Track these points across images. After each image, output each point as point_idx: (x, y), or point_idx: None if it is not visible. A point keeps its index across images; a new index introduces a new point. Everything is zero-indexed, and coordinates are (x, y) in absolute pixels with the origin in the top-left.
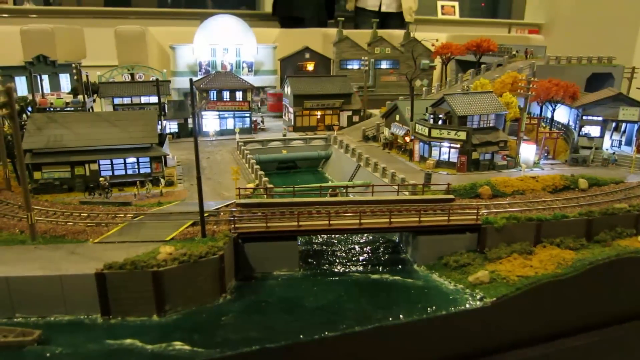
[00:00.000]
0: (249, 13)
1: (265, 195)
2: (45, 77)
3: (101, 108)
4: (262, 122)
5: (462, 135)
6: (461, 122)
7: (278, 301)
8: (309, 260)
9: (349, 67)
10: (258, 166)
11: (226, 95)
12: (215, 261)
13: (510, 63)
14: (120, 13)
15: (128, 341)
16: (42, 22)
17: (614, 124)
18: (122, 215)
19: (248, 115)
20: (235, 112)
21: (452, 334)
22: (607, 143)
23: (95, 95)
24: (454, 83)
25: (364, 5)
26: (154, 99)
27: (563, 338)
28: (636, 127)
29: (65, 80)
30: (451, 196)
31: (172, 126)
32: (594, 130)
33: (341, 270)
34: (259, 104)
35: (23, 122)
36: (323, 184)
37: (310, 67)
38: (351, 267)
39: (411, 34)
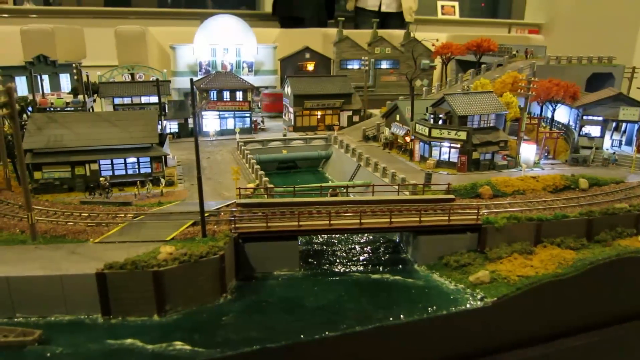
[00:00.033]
0: (249, 13)
1: (265, 195)
2: (46, 77)
3: (101, 108)
4: (262, 122)
5: (463, 135)
6: (461, 122)
7: (279, 301)
8: (310, 260)
9: (349, 67)
10: (258, 166)
11: (226, 95)
12: (216, 261)
13: (511, 63)
14: (120, 13)
15: (129, 341)
16: (42, 22)
17: (614, 124)
18: (123, 215)
19: (248, 115)
20: (236, 112)
21: (452, 334)
22: (607, 143)
23: (95, 95)
24: (454, 83)
25: (364, 5)
26: (154, 99)
27: (563, 338)
28: (636, 127)
29: (65, 80)
30: (451, 196)
31: (172, 126)
32: (594, 130)
33: (342, 270)
34: (259, 104)
35: (23, 122)
36: (323, 184)
37: (310, 67)
38: (352, 267)
39: (411, 34)
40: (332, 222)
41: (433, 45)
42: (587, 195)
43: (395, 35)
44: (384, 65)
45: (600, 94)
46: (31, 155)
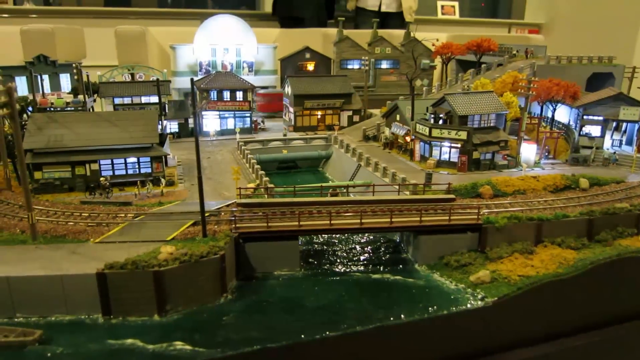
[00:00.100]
0: (249, 13)
1: (266, 195)
2: (46, 77)
3: (101, 108)
4: (263, 122)
5: (463, 134)
6: (462, 121)
7: (279, 301)
8: (310, 260)
9: (349, 67)
10: (259, 166)
11: (226, 95)
12: (216, 261)
13: (511, 63)
14: (120, 13)
15: (129, 341)
16: (42, 22)
17: (614, 124)
18: (123, 215)
19: (248, 115)
20: (236, 112)
21: (453, 334)
22: (607, 143)
23: (95, 95)
24: (454, 83)
25: (364, 5)
26: (154, 99)
27: (564, 338)
28: (637, 126)
29: (65, 80)
30: (452, 196)
31: (172, 126)
32: (595, 130)
33: (342, 270)
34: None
35: (23, 122)
36: (324, 184)
37: (310, 67)
38: (352, 266)
39: (411, 34)
40: (332, 222)
41: (433, 45)
42: (588, 195)
43: (396, 35)
44: (384, 65)
45: (600, 93)
46: (31, 155)
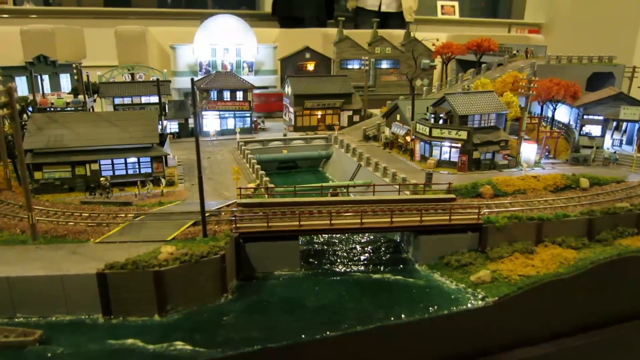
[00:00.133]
0: (249, 13)
1: (266, 195)
2: (46, 77)
3: (102, 108)
4: (263, 122)
5: (463, 134)
6: (462, 121)
7: (279, 301)
8: (310, 260)
9: (350, 66)
10: (259, 166)
11: (227, 95)
12: (217, 261)
13: (511, 62)
14: (120, 13)
15: (129, 341)
16: (42, 23)
17: (614, 123)
18: (123, 215)
19: (248, 115)
20: (236, 112)
21: (454, 334)
22: (608, 142)
23: (95, 95)
24: (454, 82)
25: (364, 5)
26: (154, 99)
27: (565, 337)
28: (637, 126)
29: (65, 80)
30: (452, 196)
31: (172, 126)
32: (595, 130)
33: (342, 270)
34: None
35: (24, 122)
36: (324, 184)
37: (310, 67)
38: (352, 266)
39: (411, 34)
40: (332, 221)
41: (433, 45)
42: (588, 195)
43: (396, 35)
44: (384, 65)
45: (600, 93)
46: (31, 155)
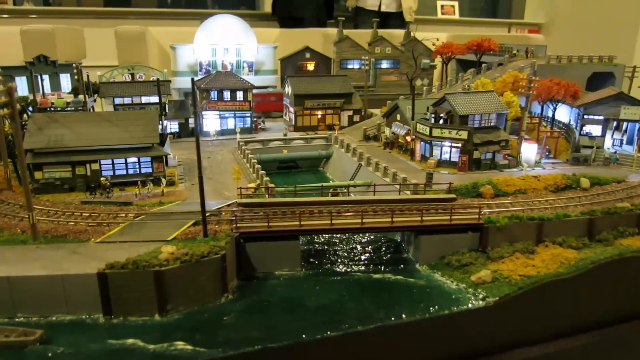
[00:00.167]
0: (249, 13)
1: (266, 195)
2: (46, 77)
3: (102, 108)
4: (263, 122)
5: (464, 134)
6: (462, 121)
7: (280, 301)
8: (311, 259)
9: (350, 66)
10: (259, 166)
11: (227, 95)
12: (217, 261)
13: (511, 62)
14: (120, 13)
15: (130, 341)
16: (42, 23)
17: (615, 123)
18: (124, 215)
19: (249, 115)
20: (236, 112)
21: (454, 334)
22: (608, 142)
23: (95, 95)
24: (454, 82)
25: (364, 4)
26: (154, 99)
27: (565, 337)
28: (637, 126)
29: (65, 80)
30: (453, 195)
31: (172, 126)
32: (595, 130)
33: (343, 270)
34: None
35: (24, 122)
36: (324, 184)
37: (310, 66)
38: (353, 266)
39: (411, 34)
40: (333, 221)
41: (433, 44)
42: (589, 195)
43: (396, 34)
44: (384, 64)
45: (601, 93)
46: (32, 155)
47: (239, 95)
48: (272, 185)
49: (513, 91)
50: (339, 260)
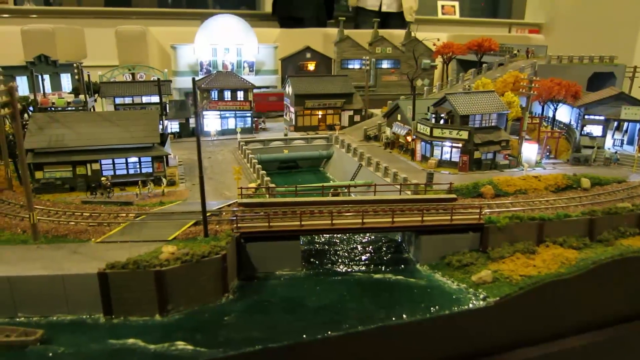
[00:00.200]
0: (249, 13)
1: (267, 195)
2: (47, 77)
3: (102, 108)
4: (264, 122)
5: (464, 134)
6: (463, 121)
7: (280, 301)
8: (312, 259)
9: (350, 66)
10: (260, 166)
11: (227, 95)
12: (218, 261)
13: (512, 62)
14: (120, 13)
15: (130, 341)
16: (43, 22)
17: (616, 123)
18: (124, 214)
19: (249, 115)
20: (237, 112)
21: (455, 334)
22: (609, 142)
23: (96, 95)
24: (455, 82)
25: (364, 5)
26: (155, 99)
27: (566, 338)
28: (638, 126)
29: (66, 80)
30: (453, 195)
31: (173, 126)
32: (596, 130)
33: (344, 270)
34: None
35: (25, 122)
36: (325, 184)
37: (311, 66)
38: (353, 266)
39: (412, 34)
40: (334, 221)
41: (434, 44)
42: (589, 195)
43: (396, 35)
44: (385, 65)
45: (601, 93)
46: (32, 155)
47: (240, 95)
48: (273, 185)
49: (514, 91)
50: (340, 260)
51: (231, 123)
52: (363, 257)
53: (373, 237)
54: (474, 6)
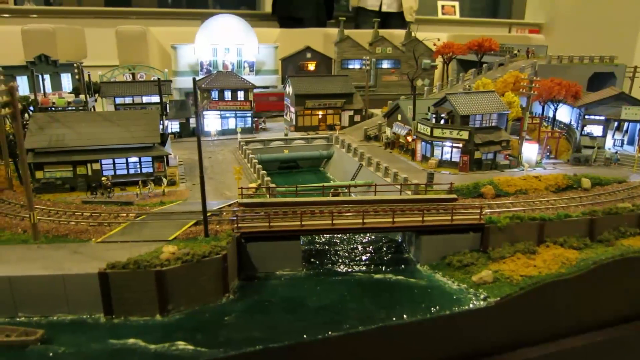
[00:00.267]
0: (249, 13)
1: (267, 195)
2: (47, 77)
3: (103, 108)
4: (264, 122)
5: (465, 134)
6: (463, 121)
7: (281, 301)
8: (312, 260)
9: (351, 66)
10: (260, 166)
11: (228, 95)
12: (218, 261)
13: (512, 62)
14: (120, 13)
15: (131, 341)
16: (43, 22)
17: (616, 123)
18: (125, 214)
19: (250, 115)
20: (237, 112)
21: (455, 334)
22: (609, 142)
23: (96, 95)
24: (455, 82)
25: (365, 5)
26: (155, 99)
27: (566, 338)
28: (638, 126)
29: (66, 80)
30: (454, 196)
31: (173, 126)
32: (597, 130)
33: (344, 270)
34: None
35: (25, 122)
36: (325, 184)
37: (311, 66)
38: (354, 266)
39: (412, 34)
40: (334, 221)
41: (434, 44)
42: (590, 195)
43: (397, 35)
44: (385, 65)
45: (602, 93)
46: (33, 155)
47: (240, 95)
48: (273, 185)
49: (514, 91)
50: (340, 260)
51: (231, 123)
52: (363, 257)
53: (373, 237)
54: (474, 6)
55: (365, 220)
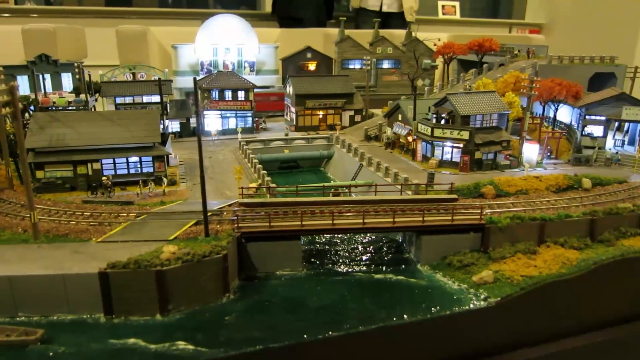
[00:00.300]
0: (250, 13)
1: (268, 195)
2: (47, 77)
3: (103, 107)
4: (264, 121)
5: (465, 134)
6: (464, 121)
7: (281, 301)
8: (312, 260)
9: (351, 66)
10: (260, 165)
11: (228, 94)
12: (219, 261)
13: (513, 63)
14: (121, 13)
15: (131, 340)
16: (44, 22)
17: (617, 124)
18: (125, 214)
19: (250, 114)
20: (237, 112)
21: (456, 334)
22: (610, 143)
23: (97, 95)
24: (456, 83)
25: (365, 5)
26: (155, 98)
27: (567, 338)
28: (639, 126)
29: (67, 80)
30: (454, 196)
31: (174, 126)
32: (597, 130)
33: (344, 270)
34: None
35: (26, 121)
36: (326, 184)
37: (312, 66)
38: (354, 266)
39: (413, 34)
40: (334, 221)
41: (435, 44)
42: (590, 195)
43: (397, 35)
44: (386, 65)
45: (602, 93)
46: (33, 154)
47: (241, 95)
48: (274, 185)
49: (514, 91)
50: (341, 260)
51: (232, 123)
52: (364, 257)
53: (374, 237)
54: (475, 6)
55: (365, 220)
